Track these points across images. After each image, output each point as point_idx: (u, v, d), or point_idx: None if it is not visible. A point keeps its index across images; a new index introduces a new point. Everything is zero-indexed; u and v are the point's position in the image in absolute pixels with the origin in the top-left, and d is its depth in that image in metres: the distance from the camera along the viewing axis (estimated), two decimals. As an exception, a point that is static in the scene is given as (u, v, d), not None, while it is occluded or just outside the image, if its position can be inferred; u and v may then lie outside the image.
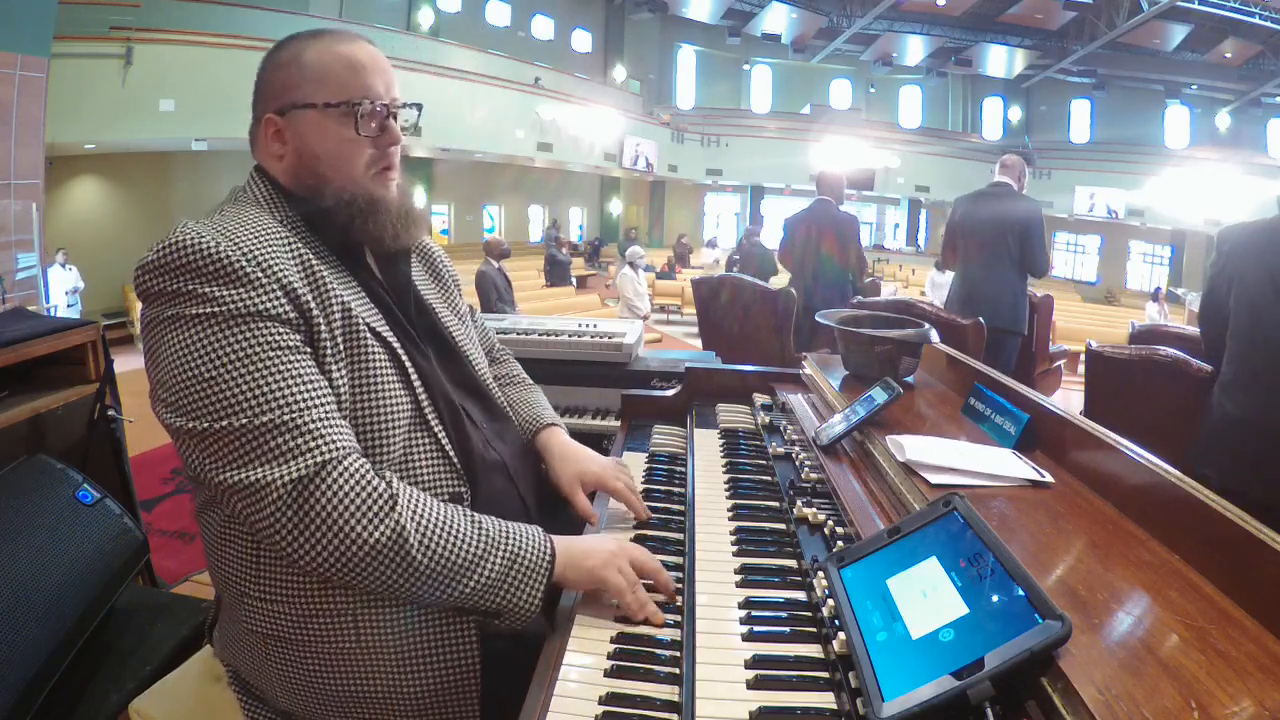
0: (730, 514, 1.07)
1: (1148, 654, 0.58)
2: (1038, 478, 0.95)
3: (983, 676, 0.57)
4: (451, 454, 0.95)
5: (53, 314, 4.48)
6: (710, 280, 4.14)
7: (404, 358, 0.94)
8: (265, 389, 0.79)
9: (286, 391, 0.79)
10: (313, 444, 0.79)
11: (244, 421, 0.77)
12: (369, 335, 0.90)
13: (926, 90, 20.75)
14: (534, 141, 13.69)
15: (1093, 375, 2.59)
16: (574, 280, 12.65)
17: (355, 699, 0.88)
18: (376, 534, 0.78)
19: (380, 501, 0.79)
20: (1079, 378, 4.69)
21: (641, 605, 0.84)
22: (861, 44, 19.18)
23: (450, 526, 0.82)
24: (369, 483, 0.80)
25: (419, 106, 1.01)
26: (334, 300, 0.88)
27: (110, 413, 1.88)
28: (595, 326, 2.54)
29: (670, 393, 1.64)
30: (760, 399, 1.57)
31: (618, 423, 1.62)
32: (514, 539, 0.86)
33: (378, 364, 0.90)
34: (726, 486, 1.17)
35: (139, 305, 0.88)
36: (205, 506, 0.91)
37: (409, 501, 0.81)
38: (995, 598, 0.64)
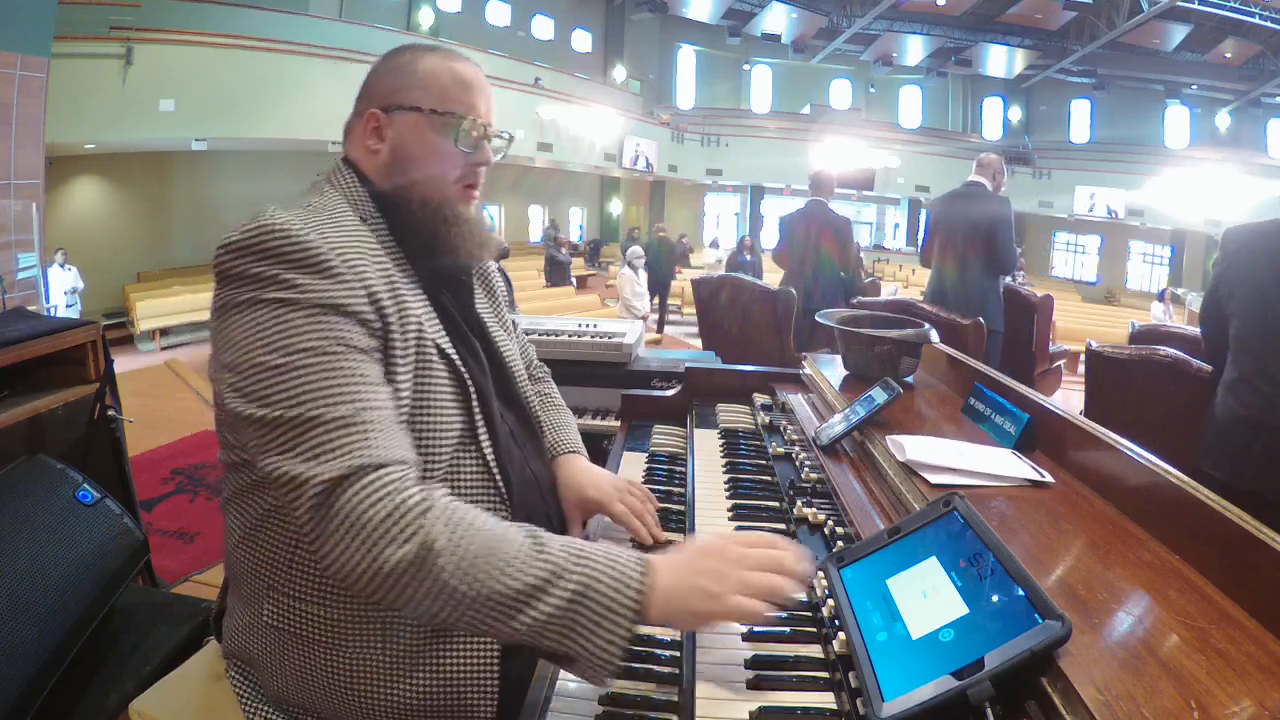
0: (730, 514, 1.07)
1: (1148, 654, 0.58)
2: (1038, 478, 0.95)
3: (983, 677, 0.57)
4: (496, 473, 0.95)
5: (52, 314, 4.48)
6: (710, 280, 4.14)
7: (465, 376, 0.94)
8: (329, 385, 0.77)
9: (348, 390, 0.78)
10: (357, 445, 0.76)
11: (296, 413, 0.76)
12: (434, 353, 0.91)
13: (926, 90, 20.74)
14: (534, 141, 13.68)
15: (1093, 375, 2.59)
16: (574, 280, 12.64)
17: (371, 706, 0.87)
18: (400, 551, 0.71)
19: (409, 515, 0.73)
20: (1079, 378, 4.69)
21: (799, 588, 0.76)
22: (861, 44, 19.17)
23: (498, 547, 0.73)
24: (402, 494, 0.74)
25: (512, 137, 1.04)
26: (409, 315, 0.89)
27: (110, 413, 1.88)
28: (595, 326, 2.54)
29: (670, 393, 1.64)
30: (760, 399, 1.57)
31: (618, 423, 1.62)
32: (589, 566, 0.73)
33: (438, 382, 0.91)
34: (726, 486, 1.17)
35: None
36: (240, 494, 0.90)
37: (448, 517, 0.74)
38: (995, 598, 0.64)
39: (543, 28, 17.63)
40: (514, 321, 1.22)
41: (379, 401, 0.80)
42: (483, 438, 0.94)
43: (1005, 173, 3.79)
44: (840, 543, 0.93)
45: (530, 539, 0.74)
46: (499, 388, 1.03)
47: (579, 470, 1.13)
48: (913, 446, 1.01)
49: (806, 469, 1.15)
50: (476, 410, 0.94)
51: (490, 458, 0.95)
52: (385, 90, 0.97)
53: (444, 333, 0.94)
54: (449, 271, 1.00)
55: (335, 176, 0.96)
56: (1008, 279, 3.82)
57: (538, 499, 1.04)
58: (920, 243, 4.21)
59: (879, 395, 1.16)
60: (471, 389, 0.94)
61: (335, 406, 0.77)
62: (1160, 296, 12.30)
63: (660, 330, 9.56)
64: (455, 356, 0.93)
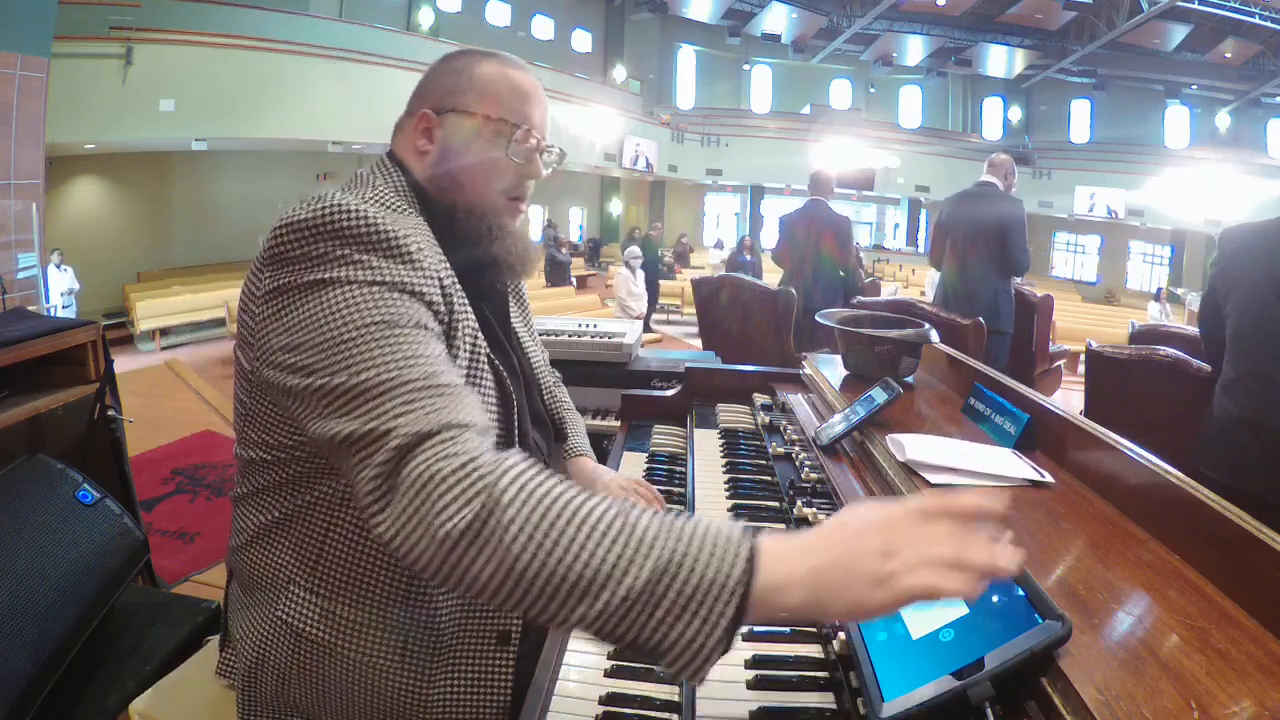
0: (730, 514, 1.07)
1: (1148, 654, 0.58)
2: (1038, 478, 0.95)
3: (983, 677, 0.57)
4: None
5: (52, 314, 4.48)
6: (710, 280, 4.15)
7: (511, 389, 0.92)
8: (407, 354, 0.73)
9: (426, 361, 0.73)
10: (441, 405, 0.70)
11: (372, 378, 0.71)
12: (485, 363, 0.89)
13: (926, 90, 20.75)
14: (534, 141, 13.67)
15: (1093, 375, 2.59)
16: (574, 280, 12.64)
17: (377, 712, 0.86)
18: (464, 511, 0.61)
19: (478, 472, 0.64)
20: (1079, 378, 4.69)
21: (1001, 557, 0.55)
22: (861, 44, 19.18)
23: (574, 512, 0.60)
24: (476, 452, 0.66)
25: (563, 152, 1.02)
26: (467, 321, 0.87)
27: (110, 413, 1.88)
28: (595, 326, 2.54)
29: (670, 393, 1.64)
30: (760, 399, 1.57)
31: (618, 423, 1.62)
32: (679, 537, 0.59)
33: (485, 391, 0.89)
34: (726, 486, 1.17)
35: (254, 279, 0.79)
36: (262, 491, 0.87)
37: (520, 475, 0.64)
38: (995, 598, 0.64)
39: (543, 28, 17.63)
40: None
41: (457, 376, 0.75)
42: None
43: (1016, 174, 3.77)
44: (840, 543, 0.92)
45: (613, 507, 0.61)
46: (529, 400, 1.03)
47: (586, 473, 1.14)
48: (913, 446, 1.01)
49: (806, 469, 1.15)
50: (515, 424, 0.93)
51: None
52: (440, 91, 0.95)
53: (488, 344, 0.93)
54: (490, 282, 0.98)
55: (379, 171, 0.94)
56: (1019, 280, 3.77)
57: None
58: (925, 243, 4.18)
59: (879, 395, 1.16)
60: (514, 401, 0.93)
61: (412, 371, 0.71)
62: (1156, 296, 12.32)
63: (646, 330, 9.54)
64: (501, 368, 0.92)
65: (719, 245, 14.63)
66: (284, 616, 0.86)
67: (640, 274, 8.72)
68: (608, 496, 0.64)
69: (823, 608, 0.57)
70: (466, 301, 0.90)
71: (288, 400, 0.76)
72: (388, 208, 0.86)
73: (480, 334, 0.91)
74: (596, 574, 0.58)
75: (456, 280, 0.88)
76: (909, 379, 1.47)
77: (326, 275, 0.75)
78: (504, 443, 0.91)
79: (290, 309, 0.76)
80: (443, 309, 0.82)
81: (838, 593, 0.56)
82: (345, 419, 0.70)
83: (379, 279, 0.75)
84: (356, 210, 0.77)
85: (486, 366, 0.90)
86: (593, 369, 2.38)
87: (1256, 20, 15.12)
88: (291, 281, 0.76)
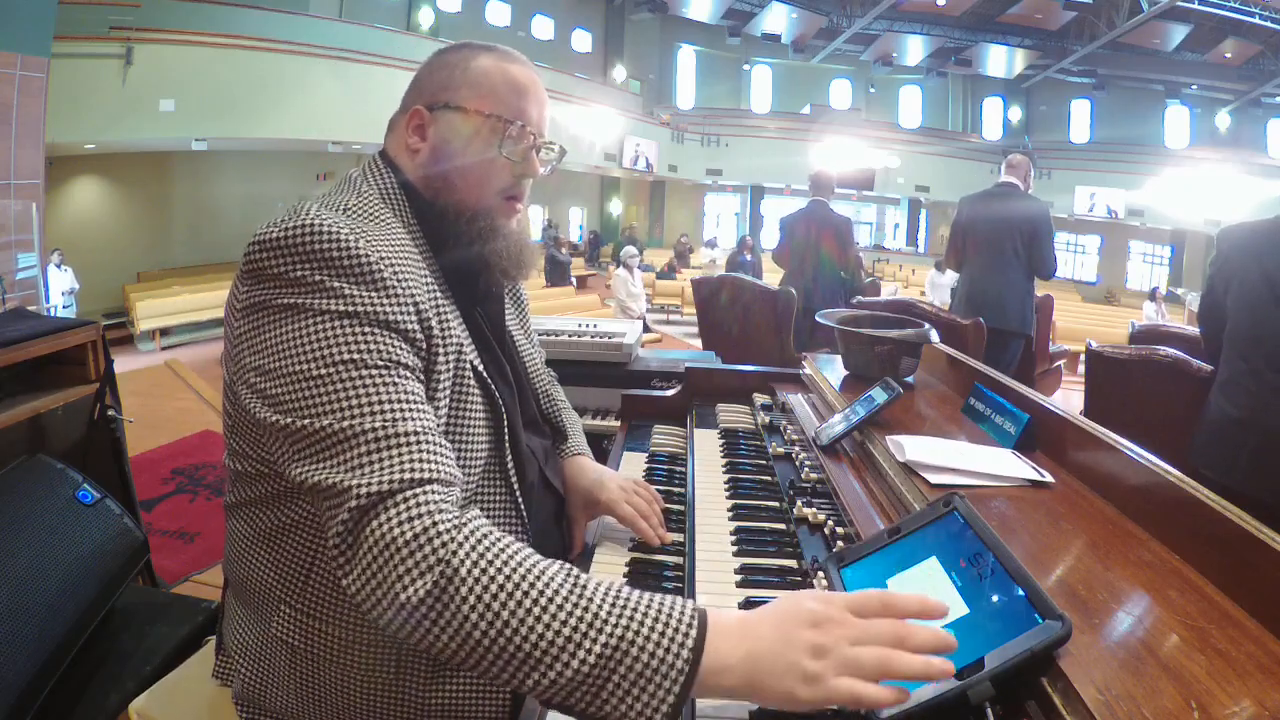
0: (730, 514, 1.07)
1: (1148, 654, 0.58)
2: (1038, 478, 0.95)
3: (983, 677, 0.57)
4: (519, 498, 0.92)
5: (52, 314, 4.48)
6: (710, 280, 4.14)
7: (500, 401, 0.90)
8: (374, 398, 0.72)
9: (394, 405, 0.72)
10: (403, 459, 0.70)
11: (337, 424, 0.70)
12: (471, 376, 0.87)
13: (926, 90, 20.75)
14: (534, 141, 13.67)
15: (1093, 375, 2.59)
16: (574, 280, 12.64)
17: None
18: (421, 580, 0.63)
19: (437, 539, 0.65)
20: (1079, 378, 4.70)
21: (926, 666, 0.57)
22: (861, 44, 19.18)
23: (530, 586, 0.62)
24: (436, 515, 0.67)
25: (563, 150, 0.99)
26: (451, 336, 0.84)
27: (110, 413, 1.88)
28: (595, 326, 2.54)
29: (670, 393, 1.64)
30: (760, 399, 1.57)
31: (618, 423, 1.62)
32: (630, 618, 0.61)
33: (473, 405, 0.87)
34: (726, 486, 1.17)
35: (238, 286, 0.78)
36: (251, 503, 0.86)
37: (477, 545, 0.65)
38: (995, 598, 0.64)
39: (543, 28, 17.64)
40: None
41: (425, 419, 0.74)
42: (509, 464, 0.91)
43: (1033, 174, 3.71)
44: (840, 543, 0.93)
45: (568, 581, 0.64)
46: (523, 407, 1.01)
47: (585, 472, 1.12)
48: (913, 446, 1.01)
49: (806, 469, 1.15)
50: (506, 435, 0.91)
51: (515, 484, 0.92)
52: (434, 87, 0.92)
53: (476, 354, 0.90)
54: (484, 286, 0.96)
55: (370, 172, 0.91)
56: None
57: (553, 524, 1.04)
58: (925, 243, 4.14)
59: (879, 395, 1.16)
60: (504, 415, 0.90)
61: (378, 419, 0.71)
62: (1151, 296, 12.32)
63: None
64: (489, 380, 0.90)
65: (711, 244, 14.57)
66: (277, 633, 0.86)
67: (638, 273, 8.73)
68: (561, 563, 0.66)
69: (755, 694, 0.60)
70: (455, 313, 0.87)
71: (258, 429, 0.77)
72: (370, 217, 0.83)
73: (467, 348, 0.88)
74: (550, 648, 0.60)
75: (442, 293, 0.86)
76: (909, 379, 1.47)
77: (298, 301, 0.74)
78: (492, 454, 0.90)
79: (262, 330, 0.75)
80: (419, 336, 0.79)
81: (770, 684, 0.58)
82: (309, 464, 0.71)
83: (351, 309, 0.74)
84: (331, 231, 0.75)
85: (473, 382, 0.87)
86: (593, 369, 2.38)
87: (1256, 20, 15.12)
88: (264, 301, 0.75)
